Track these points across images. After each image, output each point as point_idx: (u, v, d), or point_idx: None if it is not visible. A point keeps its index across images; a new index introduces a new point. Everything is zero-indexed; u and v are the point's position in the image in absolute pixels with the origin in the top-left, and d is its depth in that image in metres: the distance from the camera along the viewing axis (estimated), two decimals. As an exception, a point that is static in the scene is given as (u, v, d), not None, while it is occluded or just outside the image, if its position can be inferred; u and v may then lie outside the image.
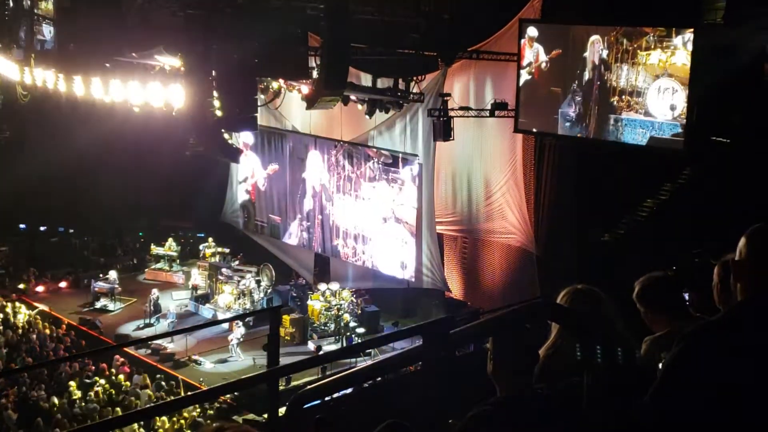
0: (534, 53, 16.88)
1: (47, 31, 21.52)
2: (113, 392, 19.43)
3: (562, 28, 17.22)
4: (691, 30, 14.79)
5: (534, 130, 18.31)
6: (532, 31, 16.89)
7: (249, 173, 26.44)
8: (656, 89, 14.31)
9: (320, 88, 16.91)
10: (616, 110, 15.14)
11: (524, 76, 17.13)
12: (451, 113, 20.25)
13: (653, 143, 14.56)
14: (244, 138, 25.40)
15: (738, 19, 15.99)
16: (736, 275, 2.77)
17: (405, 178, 22.05)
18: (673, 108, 14.23)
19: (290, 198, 25.38)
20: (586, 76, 15.88)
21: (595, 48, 16.26)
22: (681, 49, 14.03)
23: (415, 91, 19.92)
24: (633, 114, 14.70)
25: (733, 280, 2.80)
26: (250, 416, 17.37)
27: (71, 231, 30.53)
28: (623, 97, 14.89)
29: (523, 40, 17.20)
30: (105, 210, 29.56)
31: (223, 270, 26.37)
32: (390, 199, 22.43)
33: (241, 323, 22.29)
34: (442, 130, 20.18)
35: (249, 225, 27.07)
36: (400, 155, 22.48)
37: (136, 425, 16.34)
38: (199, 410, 18.34)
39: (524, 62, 17.40)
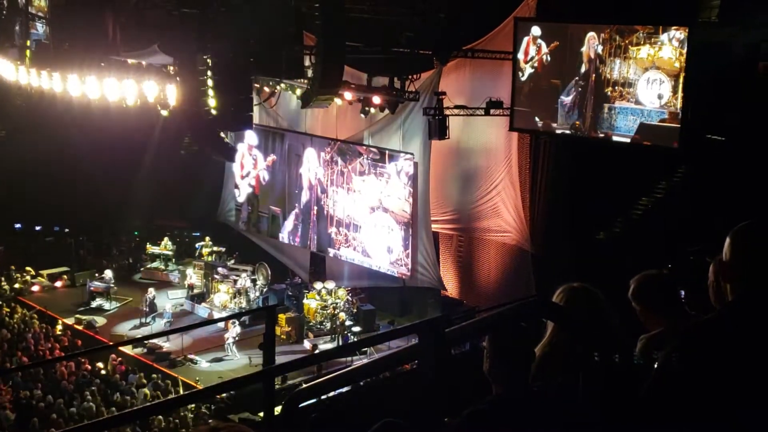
0: (536, 48, 17.84)
1: (39, 26, 21.46)
2: (109, 392, 19.41)
3: (561, 26, 17.91)
4: (677, 27, 15.66)
5: (536, 118, 18.60)
6: (536, 31, 17.81)
7: (251, 167, 26.77)
8: (645, 80, 15.59)
9: (315, 87, 16.90)
10: (609, 99, 16.34)
11: (528, 69, 17.96)
12: (447, 112, 20.25)
13: (643, 129, 15.75)
14: (248, 140, 26.20)
15: (732, 17, 16.04)
16: (723, 276, 2.78)
17: (391, 173, 22.72)
18: (660, 97, 15.52)
19: (289, 191, 25.83)
20: (583, 69, 16.90)
21: (591, 44, 17.10)
22: (667, 45, 15.26)
23: (410, 89, 19.92)
24: (625, 103, 15.99)
25: (721, 280, 2.81)
26: (246, 415, 17.36)
27: (66, 230, 30.45)
28: (616, 87, 16.15)
29: (527, 38, 17.89)
30: (100, 209, 29.51)
31: (219, 269, 26.35)
32: (378, 191, 23.11)
33: (236, 322, 22.27)
34: (438, 128, 20.17)
35: (252, 216, 27.24)
36: (387, 152, 22.89)
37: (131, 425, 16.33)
38: (193, 408, 18.33)
39: (528, 57, 18.04)
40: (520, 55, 18.14)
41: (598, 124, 16.62)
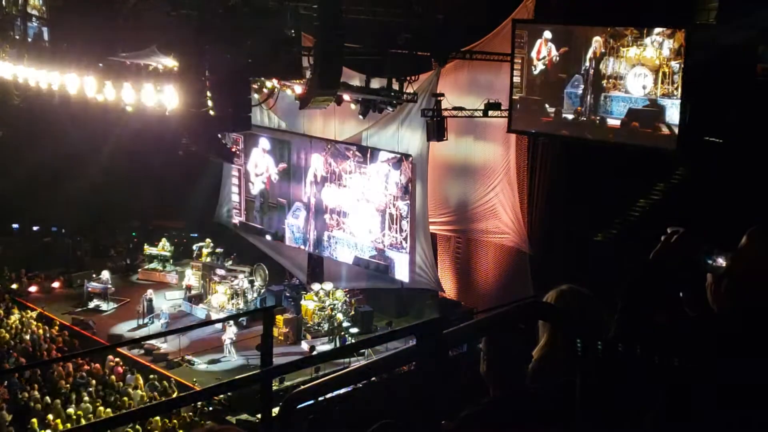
0: (548, 49, 19.27)
1: (36, 25, 21.47)
2: (106, 393, 19.38)
3: (567, 30, 19.16)
4: (659, 32, 17.43)
5: (546, 105, 19.49)
6: (547, 34, 19.26)
7: (264, 169, 27.56)
8: (633, 74, 18.06)
9: (313, 88, 16.89)
10: (605, 90, 18.54)
11: (540, 66, 19.46)
12: (445, 113, 20.27)
13: (631, 113, 18.20)
14: (262, 145, 27.29)
15: (730, 19, 16.08)
16: (746, 274, 2.73)
17: (371, 171, 24.08)
18: (644, 87, 17.95)
19: (293, 185, 26.68)
20: (585, 65, 18.77)
21: (595, 46, 18.55)
22: (650, 46, 17.72)
23: (408, 91, 19.92)
24: (617, 92, 18.42)
25: (737, 279, 2.76)
26: (244, 416, 17.36)
27: (64, 231, 30.42)
28: (610, 80, 18.42)
29: (540, 40, 19.26)
30: (98, 210, 29.49)
31: (217, 270, 26.33)
32: (361, 186, 24.44)
33: (232, 323, 22.24)
34: (436, 130, 20.20)
35: (264, 207, 27.79)
36: (369, 152, 24.09)
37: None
38: (192, 409, 18.31)
39: (540, 56, 19.37)
40: (533, 54, 19.47)
41: (596, 109, 18.82)
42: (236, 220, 28.54)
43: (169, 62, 18.96)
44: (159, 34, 17.98)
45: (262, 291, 25.65)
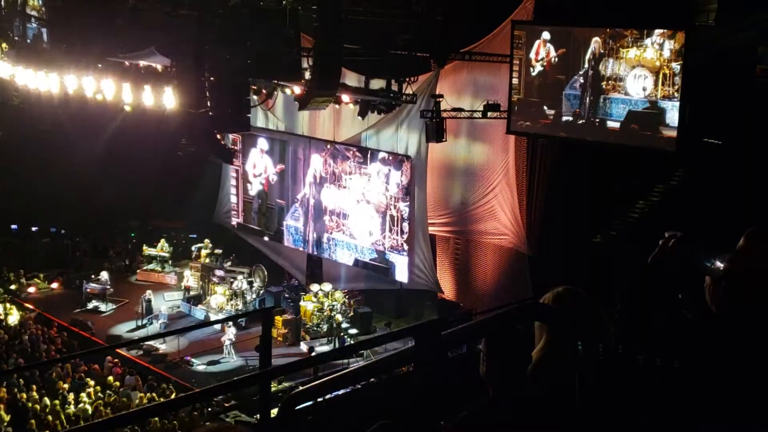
0: (546, 50, 19.39)
1: (34, 24, 21.47)
2: (105, 394, 19.36)
3: (566, 31, 19.24)
4: (660, 33, 17.48)
5: (545, 107, 19.65)
6: (546, 35, 19.37)
7: (263, 169, 27.61)
8: (633, 76, 18.08)
9: (313, 89, 16.88)
10: (604, 92, 18.65)
11: (538, 67, 19.59)
12: (444, 114, 20.26)
13: (630, 115, 18.27)
14: (260, 145, 27.36)
15: (730, 20, 16.09)
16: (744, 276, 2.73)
17: (372, 172, 24.05)
18: (644, 89, 17.95)
19: (292, 186, 26.76)
20: (584, 67, 18.83)
21: (595, 47, 18.67)
22: (650, 47, 17.63)
23: (407, 92, 19.92)
24: (616, 94, 18.48)
25: (736, 281, 2.76)
26: (243, 417, 17.34)
27: (63, 232, 30.40)
28: (610, 81, 18.48)
29: (539, 41, 19.37)
30: (97, 211, 29.46)
31: (216, 271, 26.31)
32: (362, 186, 24.50)
33: (231, 324, 22.23)
34: (435, 131, 20.20)
35: (262, 207, 27.80)
36: (369, 152, 24.11)
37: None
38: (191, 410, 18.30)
39: (538, 57, 19.51)
40: (532, 55, 19.56)
41: (595, 111, 18.86)
42: (235, 221, 28.57)
43: (169, 62, 18.94)
44: (159, 34, 17.97)
45: (261, 292, 25.63)
